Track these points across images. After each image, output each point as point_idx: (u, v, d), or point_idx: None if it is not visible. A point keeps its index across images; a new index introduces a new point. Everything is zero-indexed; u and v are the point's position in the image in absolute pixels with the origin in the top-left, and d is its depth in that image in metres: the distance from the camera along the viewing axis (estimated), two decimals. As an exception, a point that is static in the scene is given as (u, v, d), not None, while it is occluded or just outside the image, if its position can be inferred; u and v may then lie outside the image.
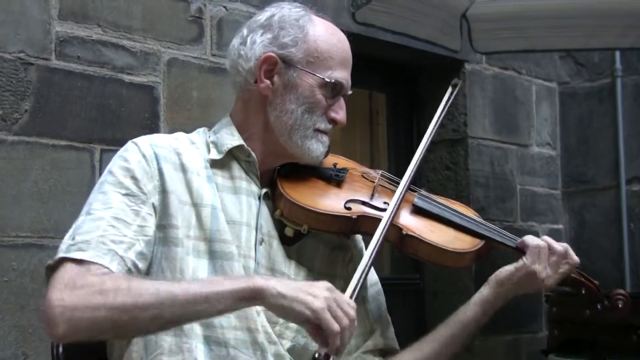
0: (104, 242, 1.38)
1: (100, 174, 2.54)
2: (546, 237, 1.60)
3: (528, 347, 4.00)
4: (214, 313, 1.36)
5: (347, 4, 3.20)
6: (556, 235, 4.14)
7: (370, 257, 1.48)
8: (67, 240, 1.41)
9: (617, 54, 4.10)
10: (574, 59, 4.32)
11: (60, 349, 1.62)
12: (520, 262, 1.57)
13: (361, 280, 1.45)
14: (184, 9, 2.87)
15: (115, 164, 1.49)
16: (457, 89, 1.75)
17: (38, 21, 2.51)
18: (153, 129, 2.73)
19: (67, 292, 1.31)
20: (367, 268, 1.47)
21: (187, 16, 2.88)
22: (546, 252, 1.57)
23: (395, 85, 4.05)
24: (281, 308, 1.32)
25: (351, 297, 1.40)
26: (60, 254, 1.38)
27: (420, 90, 4.05)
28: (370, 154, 4.14)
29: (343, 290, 1.60)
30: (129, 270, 1.39)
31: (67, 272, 1.34)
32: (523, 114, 4.16)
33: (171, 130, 2.72)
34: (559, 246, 1.58)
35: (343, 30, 1.63)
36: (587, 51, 4.08)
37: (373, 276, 1.73)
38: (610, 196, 4.16)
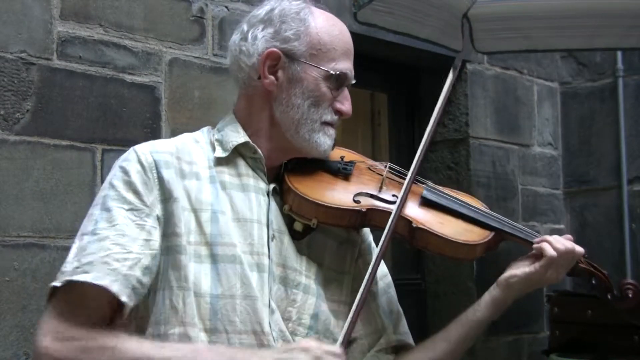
0: (107, 262, 1.38)
1: (101, 174, 2.57)
2: (554, 239, 1.59)
3: (529, 348, 4.00)
4: None
5: (349, 3, 3.20)
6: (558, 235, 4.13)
7: (380, 251, 1.49)
8: (72, 260, 1.40)
9: (619, 54, 4.09)
10: (575, 59, 4.32)
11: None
12: (531, 269, 1.57)
13: (367, 287, 1.46)
14: (185, 9, 2.87)
15: (116, 176, 1.47)
16: (457, 70, 1.74)
17: (40, 21, 2.51)
18: (155, 128, 2.74)
19: (56, 343, 1.35)
20: (376, 263, 1.48)
21: (189, 16, 2.88)
22: (562, 259, 1.56)
23: (396, 85, 4.05)
24: None
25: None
26: (67, 276, 1.38)
27: (421, 90, 4.04)
28: (372, 154, 4.14)
29: (351, 286, 1.61)
30: (133, 288, 1.39)
31: (60, 315, 1.37)
32: (525, 114, 4.16)
33: (172, 130, 2.74)
34: (570, 245, 1.58)
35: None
36: (588, 51, 4.08)
37: (383, 269, 1.72)
38: (612, 196, 4.15)
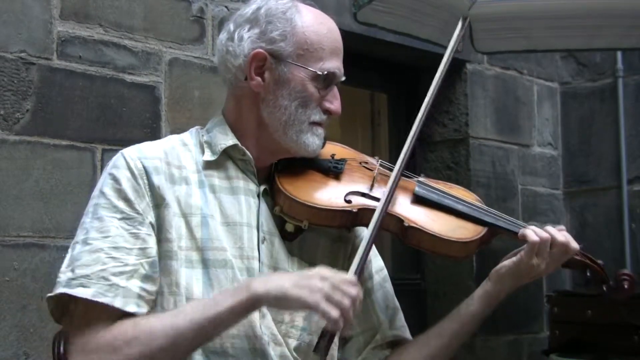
0: (105, 276, 1.37)
1: (101, 174, 2.57)
2: (549, 228, 1.56)
3: (529, 348, 3.99)
4: (224, 329, 1.38)
5: (349, 3, 3.20)
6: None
7: (371, 236, 1.47)
8: (65, 270, 1.39)
9: (619, 54, 4.09)
10: (575, 59, 4.32)
11: (62, 349, 1.62)
12: (518, 257, 1.55)
13: (363, 260, 1.44)
14: (185, 8, 2.87)
15: (106, 183, 1.46)
16: (467, 21, 1.70)
17: (39, 21, 2.51)
18: (154, 128, 2.74)
19: (85, 356, 1.36)
20: (368, 248, 1.46)
21: (189, 16, 2.88)
22: (546, 247, 1.54)
23: (396, 85, 4.05)
24: (280, 306, 1.37)
25: (355, 272, 1.40)
26: (60, 288, 1.38)
27: (421, 90, 4.03)
28: (372, 154, 4.11)
29: None
30: (138, 296, 1.38)
31: (78, 330, 1.38)
32: (524, 114, 4.16)
33: (172, 130, 2.74)
34: (561, 237, 1.55)
35: (342, 29, 1.62)
36: (588, 51, 4.08)
37: (378, 262, 1.71)
38: (612, 196, 4.15)
